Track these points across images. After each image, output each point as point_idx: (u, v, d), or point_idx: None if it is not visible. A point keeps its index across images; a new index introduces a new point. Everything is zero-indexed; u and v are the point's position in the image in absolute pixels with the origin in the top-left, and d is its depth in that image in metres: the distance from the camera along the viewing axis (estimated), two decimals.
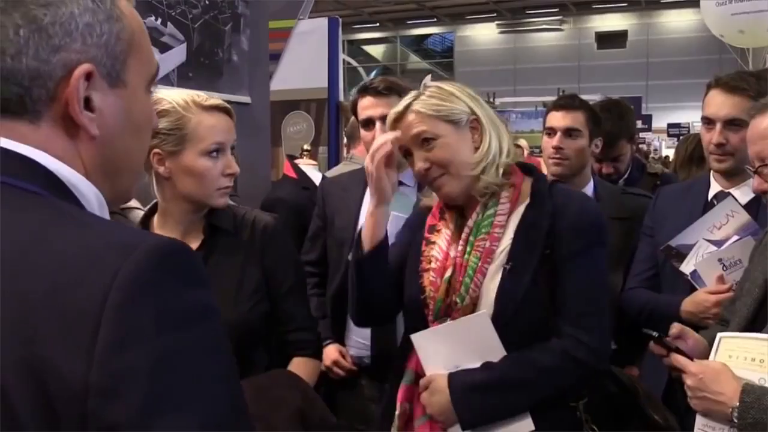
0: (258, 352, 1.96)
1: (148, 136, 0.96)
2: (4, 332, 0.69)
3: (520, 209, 1.84)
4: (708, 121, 2.34)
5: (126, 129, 0.89)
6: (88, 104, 0.84)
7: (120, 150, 0.89)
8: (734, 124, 2.26)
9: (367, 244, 1.94)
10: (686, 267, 2.25)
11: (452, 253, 1.87)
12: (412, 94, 1.90)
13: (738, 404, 1.58)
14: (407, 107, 1.87)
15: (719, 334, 1.76)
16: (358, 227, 2.52)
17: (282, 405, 1.64)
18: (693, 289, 2.23)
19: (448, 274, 1.84)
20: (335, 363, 2.53)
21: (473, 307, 1.81)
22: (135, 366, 0.68)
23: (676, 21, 27.44)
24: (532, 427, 1.77)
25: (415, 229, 2.02)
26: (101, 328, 0.68)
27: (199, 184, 1.86)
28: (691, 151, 3.59)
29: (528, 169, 1.92)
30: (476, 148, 1.84)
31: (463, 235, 1.85)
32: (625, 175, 3.31)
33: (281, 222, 2.05)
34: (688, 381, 1.68)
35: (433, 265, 1.88)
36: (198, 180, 1.86)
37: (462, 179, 1.83)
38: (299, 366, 1.98)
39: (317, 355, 2.09)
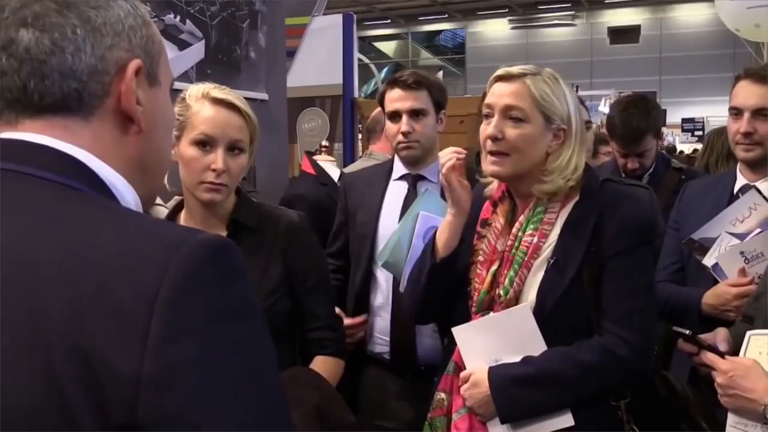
0: (279, 350, 1.95)
1: (172, 137, 1.00)
2: (55, 322, 0.71)
3: (570, 206, 1.84)
4: (736, 111, 2.36)
5: (161, 127, 0.94)
6: (136, 99, 0.89)
7: (155, 147, 0.94)
8: (763, 113, 2.29)
9: (442, 250, 1.92)
10: (708, 260, 2.25)
11: (500, 247, 1.87)
12: (531, 68, 1.86)
13: None
14: (522, 75, 1.83)
15: (748, 333, 1.74)
16: (379, 222, 2.55)
17: (298, 403, 1.62)
18: (716, 282, 2.22)
19: (494, 267, 1.85)
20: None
21: (516, 301, 1.81)
22: (187, 358, 0.71)
23: (690, 15, 27.25)
24: (572, 423, 1.77)
25: (472, 223, 2.00)
26: (153, 323, 0.70)
27: (185, 173, 1.87)
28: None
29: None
30: (547, 154, 1.83)
31: (513, 230, 1.86)
32: (650, 170, 3.28)
33: (306, 219, 2.04)
34: (719, 379, 1.67)
35: (480, 258, 1.89)
36: (185, 169, 1.86)
37: (517, 169, 1.82)
38: (321, 364, 1.97)
39: (340, 354, 2.06)
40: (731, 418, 1.70)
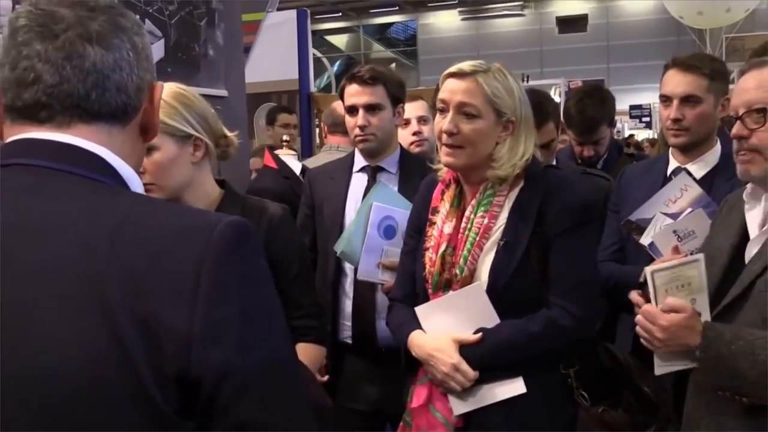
0: None
1: None
2: (114, 291, 0.84)
3: (516, 191, 1.97)
4: (665, 99, 2.50)
5: None
6: None
7: (143, 157, 1.12)
8: (690, 100, 2.43)
9: None
10: (645, 239, 2.36)
11: (446, 230, 1.99)
12: (481, 64, 1.95)
13: (701, 340, 1.70)
14: (473, 72, 1.92)
15: (647, 269, 1.87)
16: (345, 214, 2.64)
17: None
18: (653, 260, 2.37)
19: (441, 249, 1.98)
20: None
21: (471, 279, 1.94)
22: (229, 317, 0.88)
23: (635, 4, 27.68)
24: (524, 390, 1.90)
25: (424, 211, 2.13)
26: (200, 288, 0.86)
27: None
28: None
29: None
30: (496, 143, 1.94)
31: (467, 213, 1.97)
32: (604, 157, 3.48)
33: (288, 211, 2.08)
34: (658, 334, 1.78)
35: (432, 243, 2.02)
36: None
37: (470, 160, 1.94)
38: (302, 351, 2.00)
39: (321, 340, 2.12)
40: (659, 361, 1.84)
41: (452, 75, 1.96)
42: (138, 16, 3.28)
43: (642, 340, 1.86)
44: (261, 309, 0.93)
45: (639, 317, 1.85)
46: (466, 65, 1.95)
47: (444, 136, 1.95)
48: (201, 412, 0.87)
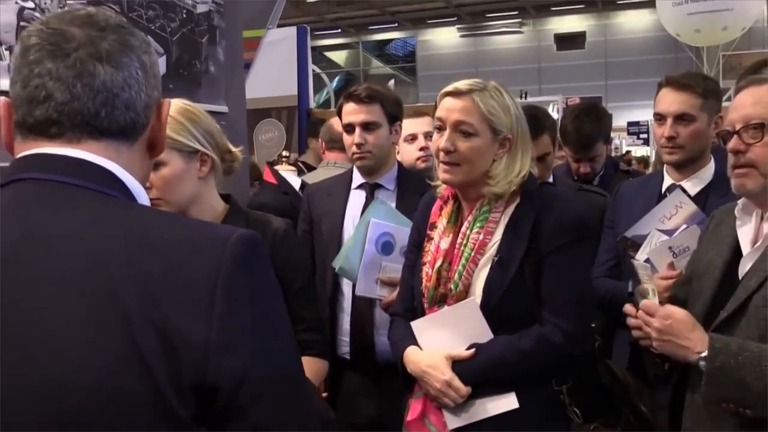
0: None
1: None
2: (131, 301, 0.86)
3: (512, 207, 1.99)
4: (659, 117, 2.53)
5: None
6: None
7: (150, 171, 1.13)
8: (683, 119, 2.46)
9: None
10: (641, 256, 2.38)
11: (443, 246, 2.02)
12: (477, 82, 1.98)
13: (708, 350, 1.70)
14: (470, 91, 1.95)
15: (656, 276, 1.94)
16: (343, 230, 2.67)
17: None
18: None
19: (437, 264, 2.01)
20: None
21: (465, 294, 1.97)
22: (242, 327, 0.91)
23: (633, 21, 27.91)
24: (517, 405, 1.92)
25: (423, 227, 2.16)
26: (216, 299, 0.88)
27: None
28: None
29: None
30: (493, 160, 1.97)
31: (463, 229, 2.00)
32: (601, 173, 3.52)
33: (291, 225, 2.11)
34: (656, 323, 1.80)
35: (429, 258, 2.05)
36: None
37: (467, 177, 1.97)
38: (304, 365, 2.01)
39: (323, 354, 2.13)
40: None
41: (449, 94, 2.00)
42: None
43: (638, 338, 1.88)
44: (271, 320, 0.96)
45: (640, 312, 1.87)
46: (462, 84, 1.98)
47: (441, 154, 1.98)
48: (215, 417, 0.89)
